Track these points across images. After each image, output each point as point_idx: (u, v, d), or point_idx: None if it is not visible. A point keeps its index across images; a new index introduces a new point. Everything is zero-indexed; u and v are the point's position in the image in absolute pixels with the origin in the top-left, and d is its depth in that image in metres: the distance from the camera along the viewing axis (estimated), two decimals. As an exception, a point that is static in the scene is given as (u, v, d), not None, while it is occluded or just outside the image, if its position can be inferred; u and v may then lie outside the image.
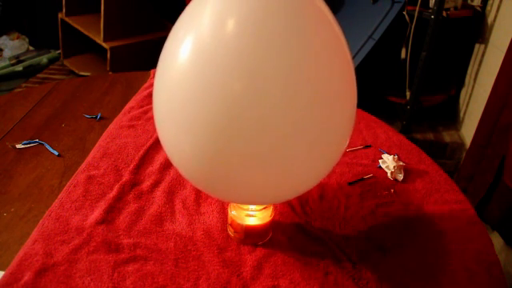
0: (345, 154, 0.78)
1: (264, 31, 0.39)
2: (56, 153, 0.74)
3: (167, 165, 0.71)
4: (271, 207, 0.57)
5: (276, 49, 0.39)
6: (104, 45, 2.05)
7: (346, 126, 0.46)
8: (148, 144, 0.76)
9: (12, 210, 0.61)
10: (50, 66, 2.45)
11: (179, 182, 0.68)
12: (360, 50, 1.72)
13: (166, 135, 0.46)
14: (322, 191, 0.68)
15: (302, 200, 0.66)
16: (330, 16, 0.44)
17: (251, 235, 0.57)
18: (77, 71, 2.29)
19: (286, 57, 0.39)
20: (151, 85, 0.99)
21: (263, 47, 0.39)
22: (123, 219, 0.59)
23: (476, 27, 1.75)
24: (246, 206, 0.56)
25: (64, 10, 2.23)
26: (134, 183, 0.66)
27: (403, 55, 1.75)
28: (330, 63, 0.42)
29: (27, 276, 0.49)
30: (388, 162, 0.74)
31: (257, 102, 0.39)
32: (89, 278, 0.50)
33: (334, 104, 0.43)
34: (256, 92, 0.39)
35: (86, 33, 2.14)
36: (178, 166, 0.48)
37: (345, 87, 0.44)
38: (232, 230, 0.58)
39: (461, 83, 1.88)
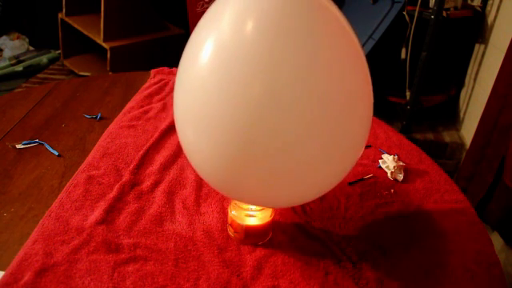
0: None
1: (283, 33, 0.39)
2: (56, 153, 0.74)
3: (167, 165, 0.71)
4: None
5: (295, 50, 0.39)
6: (104, 45, 2.05)
7: (364, 127, 0.46)
8: (148, 144, 0.76)
9: (12, 209, 0.61)
10: (50, 66, 2.45)
11: (179, 182, 0.68)
12: (360, 50, 1.71)
13: (186, 135, 0.47)
14: (322, 191, 0.68)
15: (302, 200, 0.66)
16: (343, 18, 0.44)
17: (251, 235, 0.57)
18: (77, 71, 2.29)
19: (305, 58, 0.39)
20: (151, 85, 0.99)
21: (282, 49, 0.39)
22: (123, 219, 0.59)
23: (476, 27, 1.75)
24: (246, 206, 0.56)
25: (64, 10, 2.23)
26: (133, 183, 0.66)
27: (403, 55, 1.75)
28: (349, 65, 0.43)
29: (27, 276, 0.49)
30: (388, 162, 0.74)
31: (276, 103, 0.39)
32: (89, 278, 0.50)
33: (353, 106, 0.44)
34: (276, 94, 0.39)
35: (85, 33, 2.14)
36: (197, 166, 0.49)
37: (363, 89, 0.44)
38: (232, 230, 0.58)
39: (461, 83, 1.88)
